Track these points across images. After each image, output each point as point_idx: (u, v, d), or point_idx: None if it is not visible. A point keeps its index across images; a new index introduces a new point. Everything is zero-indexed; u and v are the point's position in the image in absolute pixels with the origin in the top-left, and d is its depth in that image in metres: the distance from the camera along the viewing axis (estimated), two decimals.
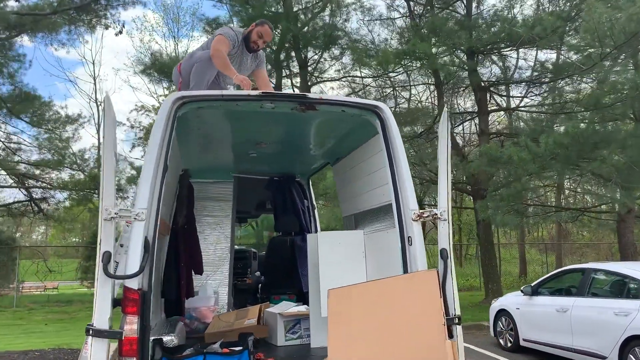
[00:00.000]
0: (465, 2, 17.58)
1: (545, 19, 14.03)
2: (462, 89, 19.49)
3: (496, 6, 17.46)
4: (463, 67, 17.01)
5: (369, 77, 18.09)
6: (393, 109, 19.59)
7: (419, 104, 20.41)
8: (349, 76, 17.70)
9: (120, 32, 19.74)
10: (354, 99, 4.87)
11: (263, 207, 8.06)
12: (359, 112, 4.14)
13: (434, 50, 15.37)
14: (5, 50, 19.53)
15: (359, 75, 17.76)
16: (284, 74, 17.31)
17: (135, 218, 3.48)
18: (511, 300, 9.87)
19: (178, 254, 5.45)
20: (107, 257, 3.33)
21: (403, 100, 21.45)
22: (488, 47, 16.93)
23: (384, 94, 19.60)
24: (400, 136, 4.16)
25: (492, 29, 15.75)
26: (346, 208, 5.77)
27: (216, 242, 6.98)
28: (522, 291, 9.57)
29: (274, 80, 17.15)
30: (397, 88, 19.70)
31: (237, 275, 8.37)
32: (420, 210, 3.94)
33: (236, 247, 9.74)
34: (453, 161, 17.80)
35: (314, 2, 16.09)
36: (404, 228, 3.96)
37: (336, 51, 16.09)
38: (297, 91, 17.08)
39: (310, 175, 7.38)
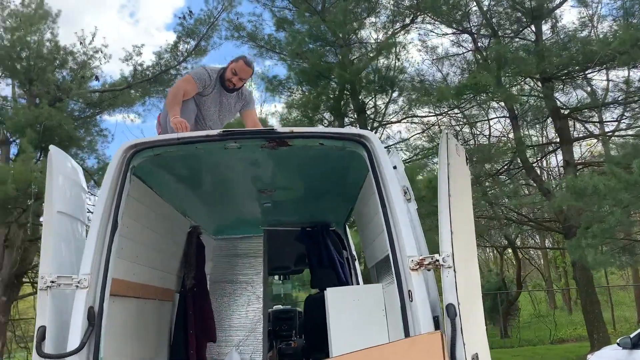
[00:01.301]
0: (534, 27, 16.52)
1: (623, 32, 12.68)
2: (539, 118, 18.03)
3: (566, 27, 16.18)
4: (538, 95, 15.77)
5: (432, 116, 17.29)
6: (464, 145, 18.51)
7: (495, 139, 19.15)
8: (414, 116, 17.02)
9: None
10: (332, 129, 4.28)
11: (298, 261, 7.47)
12: (341, 144, 3.51)
13: (503, 80, 14.36)
14: (90, 126, 20.94)
15: (421, 115, 17.03)
16: (346, 122, 16.95)
17: (77, 285, 3.05)
18: (607, 355, 8.36)
19: (186, 320, 4.97)
20: (41, 333, 2.92)
21: (480, 137, 20.30)
22: (564, 72, 15.64)
23: (454, 131, 18.61)
24: (392, 167, 3.47)
25: (564, 52, 14.51)
26: (368, 258, 5.07)
27: (247, 303, 6.45)
28: (618, 344, 8.07)
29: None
30: (467, 124, 18.64)
31: (281, 339, 7.75)
32: (421, 257, 3.18)
33: (279, 306, 9.17)
34: (533, 198, 16.31)
35: (370, 48, 15.83)
36: (402, 281, 3.21)
37: (394, 93, 15.54)
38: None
39: (345, 222, 6.73)
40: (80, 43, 22.17)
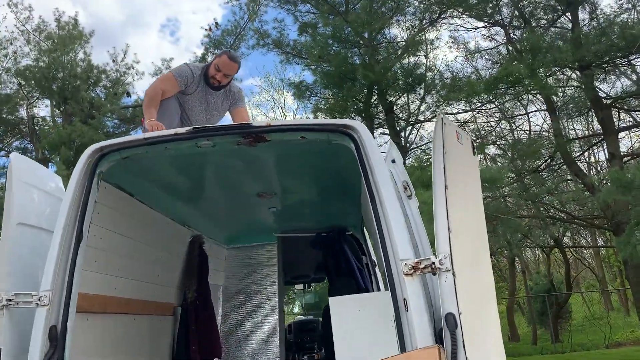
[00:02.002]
0: (570, 15, 15.68)
1: None
2: (581, 110, 17.07)
3: (604, 12, 15.27)
4: (578, 86, 14.92)
5: (465, 112, 16.61)
6: (501, 141, 17.75)
7: (535, 134, 18.26)
8: (446, 113, 16.36)
9: None
10: (314, 119, 3.93)
11: (315, 269, 7.10)
12: (325, 137, 3.15)
13: (537, 70, 13.62)
14: None
15: (454, 111, 16.38)
16: (375, 124, 16.51)
17: (36, 303, 2.80)
18: None
19: (188, 335, 4.69)
20: None
21: (520, 132, 19.44)
22: (604, 59, 14.74)
23: (489, 127, 17.91)
24: (383, 160, 3.08)
25: (603, 38, 13.66)
26: (379, 263, 4.67)
27: (262, 315, 6.14)
28: None
29: None
30: (504, 119, 17.84)
31: (303, 351, 7.41)
32: (416, 260, 2.78)
33: (301, 317, 8.81)
34: (576, 194, 15.42)
35: (396, 46, 15.37)
36: (395, 288, 2.82)
37: (422, 91, 14.98)
38: (387, 138, 16.15)
39: (362, 225, 6.32)
40: (113, 61, 22.66)
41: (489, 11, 16.69)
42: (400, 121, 15.56)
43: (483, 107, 16.25)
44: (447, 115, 3.08)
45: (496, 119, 17.82)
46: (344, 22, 14.50)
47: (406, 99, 15.27)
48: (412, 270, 2.77)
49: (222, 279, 6.30)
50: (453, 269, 2.66)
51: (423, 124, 17.45)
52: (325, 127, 3.15)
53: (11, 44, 21.67)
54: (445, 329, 2.59)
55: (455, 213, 2.82)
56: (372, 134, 17.00)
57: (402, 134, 15.55)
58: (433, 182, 2.81)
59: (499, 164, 16.60)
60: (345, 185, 4.57)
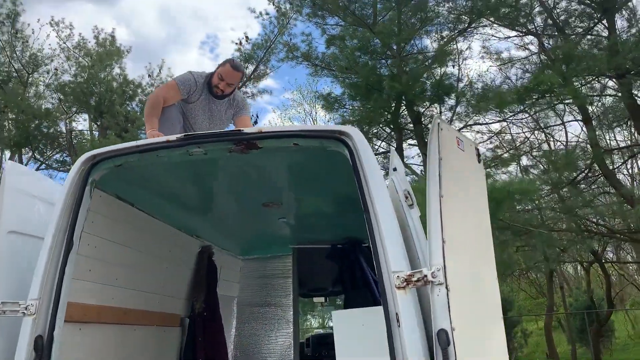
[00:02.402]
0: (606, 21, 15.18)
1: None
2: (620, 120, 16.43)
3: None
4: (614, 95, 14.38)
5: (496, 122, 16.20)
6: (535, 152, 17.24)
7: (571, 145, 17.66)
8: (476, 124, 16.04)
9: (256, 122, 20.73)
10: (307, 126, 3.81)
11: (332, 281, 6.95)
12: (318, 144, 3.05)
13: (570, 79, 13.20)
14: None
15: (485, 122, 16.00)
16: (404, 136, 16.30)
17: (23, 312, 2.77)
18: None
19: (195, 348, 4.63)
20: None
21: (556, 143, 18.87)
22: None
23: (522, 139, 17.42)
24: (379, 168, 2.96)
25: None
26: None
27: (277, 328, 6.04)
28: None
29: (394, 145, 16.22)
30: (538, 129, 17.34)
31: None
32: (409, 272, 2.64)
33: (320, 331, 8.65)
34: (617, 206, 14.80)
35: (424, 57, 15.18)
36: (387, 301, 2.67)
37: (451, 101, 14.71)
38: (416, 149, 15.91)
39: None
40: (149, 76, 23.22)
41: (522, 20, 16.33)
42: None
43: (516, 118, 15.84)
44: (443, 120, 2.93)
45: (530, 129, 17.36)
46: (371, 33, 14.40)
47: (435, 110, 15.01)
48: (405, 283, 2.63)
49: (236, 291, 6.24)
50: (446, 282, 2.51)
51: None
52: (318, 133, 3.05)
53: (52, 60, 22.45)
54: (437, 346, 2.44)
55: (452, 224, 2.67)
56: (401, 145, 16.81)
57: None
58: (427, 190, 2.67)
59: (531, 175, 16.12)
60: (352, 194, 4.44)
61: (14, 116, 20.58)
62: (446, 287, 2.50)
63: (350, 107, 16.32)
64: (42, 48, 22.04)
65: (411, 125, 15.34)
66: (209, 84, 4.10)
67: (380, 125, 15.43)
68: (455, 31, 16.67)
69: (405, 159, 17.19)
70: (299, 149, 3.06)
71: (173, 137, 3.03)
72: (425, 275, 2.54)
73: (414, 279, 2.61)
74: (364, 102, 15.92)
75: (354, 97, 15.41)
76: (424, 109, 15.17)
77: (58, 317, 2.84)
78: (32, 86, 22.46)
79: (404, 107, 15.02)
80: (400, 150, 16.53)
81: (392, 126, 16.49)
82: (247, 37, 19.74)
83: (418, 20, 15.92)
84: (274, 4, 18.93)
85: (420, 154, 15.36)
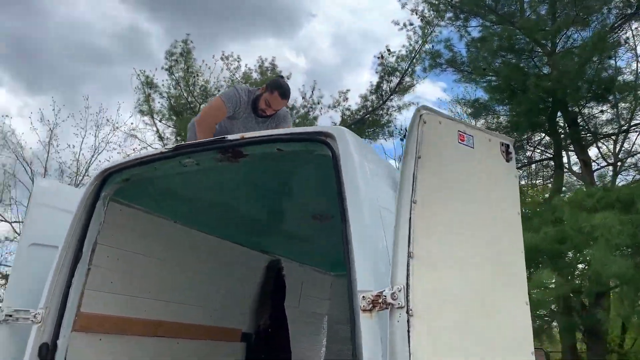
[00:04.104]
0: None
1: None
2: None
3: None
4: None
5: None
6: None
7: None
8: None
9: (402, 139, 20.48)
10: (289, 129, 3.39)
11: None
12: (303, 147, 2.77)
13: None
14: None
15: None
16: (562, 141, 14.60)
17: (32, 320, 2.95)
18: None
19: None
20: None
21: None
22: None
23: None
24: (361, 172, 2.57)
25: None
26: None
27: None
28: None
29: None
30: None
31: None
32: (376, 293, 2.23)
33: None
34: None
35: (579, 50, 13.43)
36: (355, 328, 2.28)
37: (612, 98, 12.72)
38: (572, 154, 14.08)
39: None
40: (303, 98, 24.34)
41: None
42: (587, 135, 13.46)
43: None
44: (434, 111, 2.46)
45: None
46: (514, 30, 13.24)
47: (594, 110, 13.19)
48: (371, 306, 2.23)
49: (326, 308, 6.05)
50: (408, 306, 2.06)
51: (628, 134, 14.87)
52: (301, 136, 2.78)
53: (218, 90, 24.75)
54: None
55: (432, 236, 2.22)
56: (560, 151, 15.05)
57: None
58: (398, 194, 2.24)
59: None
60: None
61: None
62: (407, 312, 2.05)
63: (496, 114, 15.17)
64: (208, 80, 24.38)
65: (564, 128, 13.70)
66: (254, 103, 4.04)
67: (528, 130, 14.01)
68: (622, 17, 14.59)
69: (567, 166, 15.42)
70: (280, 154, 2.83)
71: (166, 149, 3.03)
72: (385, 297, 2.12)
73: (380, 300, 2.20)
74: (513, 105, 14.69)
75: (499, 101, 14.29)
76: (580, 108, 13.43)
77: (63, 326, 2.97)
78: None
79: (550, 108, 13.46)
80: (559, 157, 14.87)
81: (548, 130, 14.93)
82: (388, 50, 19.54)
83: (572, 9, 14.24)
84: (417, 14, 18.55)
85: (579, 160, 13.58)
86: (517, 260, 2.53)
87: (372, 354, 2.17)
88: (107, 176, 3.18)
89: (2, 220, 22.86)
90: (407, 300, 2.06)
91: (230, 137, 2.88)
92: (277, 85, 4.05)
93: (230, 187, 3.66)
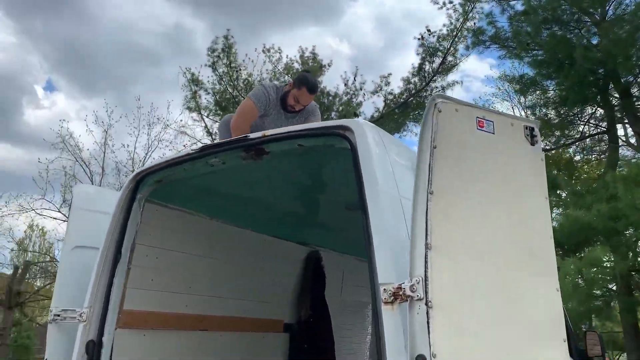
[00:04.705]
0: None
1: None
2: None
3: None
4: None
5: None
6: None
7: None
8: None
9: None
10: (309, 124, 3.32)
11: None
12: (323, 142, 2.79)
13: None
14: None
15: None
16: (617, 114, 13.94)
17: (78, 319, 3.12)
18: None
19: (299, 354, 4.63)
20: None
21: None
22: None
23: None
24: (380, 163, 2.56)
25: None
26: None
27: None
28: None
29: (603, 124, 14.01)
30: None
31: None
32: (397, 285, 2.23)
33: None
34: None
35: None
36: (378, 320, 2.29)
37: None
38: (629, 128, 13.40)
39: None
40: (345, 85, 24.23)
41: None
42: None
43: None
44: (450, 99, 2.42)
45: None
46: (559, 1, 12.69)
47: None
48: (392, 298, 2.24)
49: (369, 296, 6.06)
50: (427, 297, 2.06)
51: None
52: (319, 131, 2.80)
53: (260, 82, 25.00)
54: None
55: (450, 226, 2.20)
56: (613, 123, 14.38)
57: None
58: (415, 185, 2.23)
59: None
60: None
61: None
62: (426, 304, 2.04)
63: (544, 89, 14.63)
64: (251, 73, 24.60)
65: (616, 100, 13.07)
66: (283, 99, 4.06)
67: (576, 105, 13.43)
68: None
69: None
70: (302, 150, 2.85)
71: (194, 149, 3.12)
72: (404, 289, 2.12)
73: (401, 292, 2.20)
74: (561, 80, 14.13)
75: (546, 76, 13.77)
76: (635, 79, 12.77)
77: (107, 323, 3.12)
78: None
79: (600, 80, 12.86)
80: (613, 131, 14.23)
81: (600, 103, 14.30)
82: (428, 30, 19.07)
83: None
84: None
85: (634, 133, 12.95)
86: (546, 246, 2.46)
87: (394, 346, 2.17)
88: (140, 179, 3.30)
89: (65, 221, 24.13)
90: (426, 292, 2.06)
91: (252, 135, 2.93)
92: (305, 81, 4.06)
93: (260, 183, 3.73)
